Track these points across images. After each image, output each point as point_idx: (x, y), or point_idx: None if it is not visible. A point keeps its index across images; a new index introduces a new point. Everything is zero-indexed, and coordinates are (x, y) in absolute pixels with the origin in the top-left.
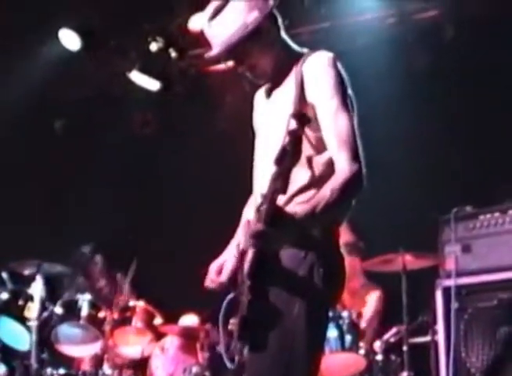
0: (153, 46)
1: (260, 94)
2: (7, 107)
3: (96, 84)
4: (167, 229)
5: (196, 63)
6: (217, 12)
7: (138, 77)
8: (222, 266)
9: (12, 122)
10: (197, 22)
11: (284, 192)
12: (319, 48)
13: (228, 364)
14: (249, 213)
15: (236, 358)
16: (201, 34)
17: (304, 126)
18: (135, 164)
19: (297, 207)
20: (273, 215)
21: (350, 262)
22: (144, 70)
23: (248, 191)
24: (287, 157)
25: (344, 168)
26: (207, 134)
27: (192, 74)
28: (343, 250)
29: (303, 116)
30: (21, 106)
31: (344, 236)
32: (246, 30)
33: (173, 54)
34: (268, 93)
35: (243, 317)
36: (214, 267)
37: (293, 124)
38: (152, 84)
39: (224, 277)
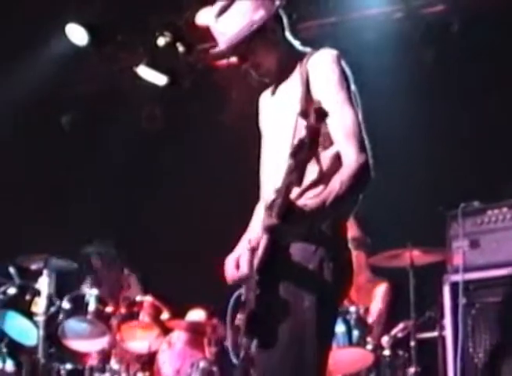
0: (161, 41)
1: (264, 96)
2: (15, 103)
3: (103, 79)
4: (174, 225)
5: (203, 57)
6: (224, 9)
7: (145, 72)
8: (238, 261)
9: (19, 118)
10: (205, 16)
11: (299, 184)
12: (322, 47)
13: (235, 360)
14: (261, 210)
15: (242, 353)
16: (208, 28)
17: (322, 120)
18: (142, 159)
19: (308, 201)
20: (286, 209)
21: (355, 256)
22: (151, 65)
23: (256, 187)
24: (303, 150)
25: (351, 160)
26: (214, 128)
27: (199, 68)
28: (349, 244)
29: (320, 109)
30: (28, 101)
31: (351, 230)
32: (252, 28)
33: (180, 49)
34: (273, 93)
35: (251, 311)
36: (231, 262)
37: (303, 122)
38: (159, 79)
39: (244, 269)
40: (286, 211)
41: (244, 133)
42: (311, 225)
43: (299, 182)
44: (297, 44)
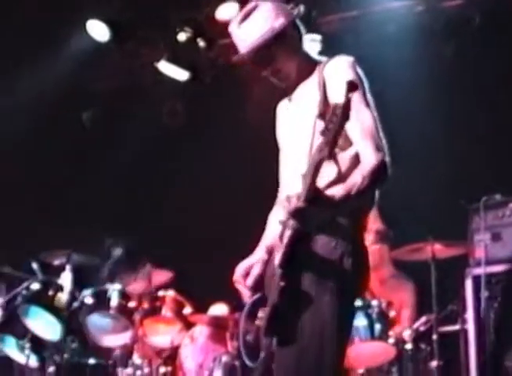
0: (182, 36)
1: (282, 105)
2: (36, 99)
3: (125, 75)
4: (195, 220)
5: (224, 53)
6: (246, 16)
7: (166, 68)
8: (249, 270)
9: (40, 114)
10: (225, 12)
11: (330, 158)
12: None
13: (248, 362)
14: (274, 221)
15: (262, 354)
16: (229, 24)
17: (353, 92)
18: (164, 154)
19: (334, 191)
20: (313, 193)
21: (378, 249)
22: (172, 61)
23: (276, 183)
24: (334, 126)
25: (369, 157)
26: (235, 124)
27: (220, 63)
28: (373, 237)
29: (352, 83)
30: (50, 97)
31: (376, 223)
32: (273, 33)
33: (201, 44)
34: (290, 99)
35: (273, 307)
36: (241, 269)
37: (322, 124)
38: (180, 75)
39: (250, 282)
40: (313, 195)
41: (266, 128)
42: (334, 216)
43: (330, 155)
44: (313, 53)
